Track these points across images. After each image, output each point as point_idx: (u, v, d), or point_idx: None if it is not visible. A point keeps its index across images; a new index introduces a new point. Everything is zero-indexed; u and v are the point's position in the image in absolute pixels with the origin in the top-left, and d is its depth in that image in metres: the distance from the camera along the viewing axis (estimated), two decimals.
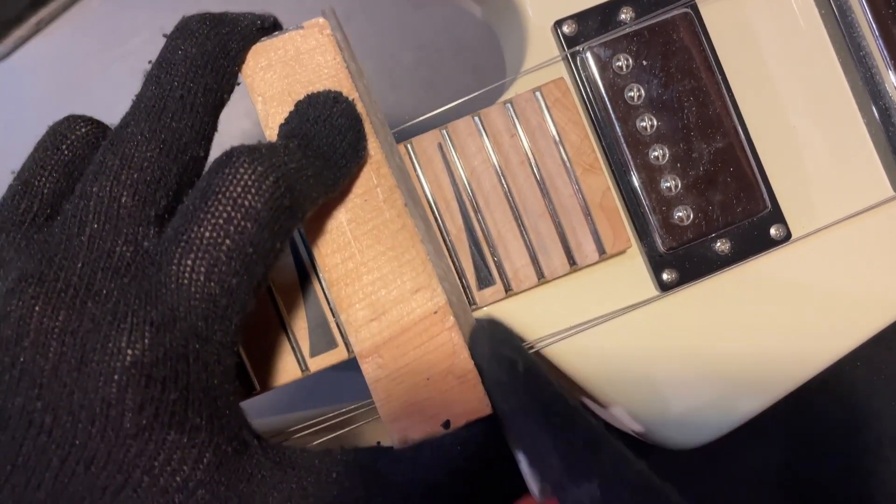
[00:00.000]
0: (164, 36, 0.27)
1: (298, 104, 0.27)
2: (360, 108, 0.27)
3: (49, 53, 0.87)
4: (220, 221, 0.22)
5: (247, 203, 0.22)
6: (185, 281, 0.22)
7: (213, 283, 0.22)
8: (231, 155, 0.23)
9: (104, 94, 0.85)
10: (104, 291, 0.22)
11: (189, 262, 0.22)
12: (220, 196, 0.22)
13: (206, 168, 0.23)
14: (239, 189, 0.22)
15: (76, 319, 0.21)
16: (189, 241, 0.22)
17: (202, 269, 0.22)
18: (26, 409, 0.21)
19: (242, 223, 0.22)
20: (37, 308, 0.21)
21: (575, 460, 0.23)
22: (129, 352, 0.21)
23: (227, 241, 0.22)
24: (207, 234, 0.22)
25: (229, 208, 0.22)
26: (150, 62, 0.27)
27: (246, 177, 0.22)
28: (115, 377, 0.20)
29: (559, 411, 0.24)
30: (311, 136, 0.25)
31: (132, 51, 0.87)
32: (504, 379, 0.26)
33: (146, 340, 0.21)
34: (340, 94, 0.27)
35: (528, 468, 0.24)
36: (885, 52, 0.33)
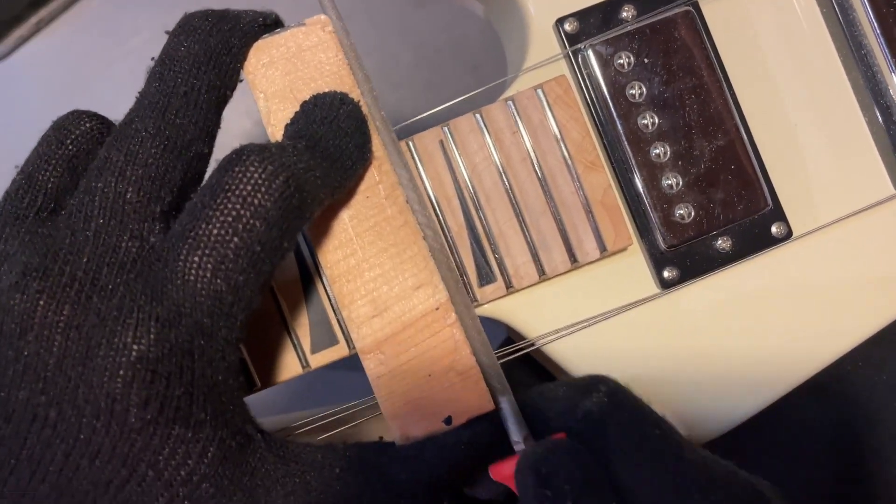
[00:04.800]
0: (167, 33, 0.27)
1: (304, 105, 0.27)
2: (363, 107, 0.27)
3: (49, 53, 0.87)
4: (229, 219, 0.22)
5: (256, 202, 0.22)
6: (192, 277, 0.22)
7: (219, 281, 0.22)
8: (241, 153, 0.23)
9: (104, 93, 0.85)
10: (109, 287, 0.22)
11: (196, 259, 0.22)
12: (229, 194, 0.22)
13: (216, 166, 0.23)
14: (249, 187, 0.22)
15: (81, 314, 0.21)
16: (197, 237, 0.22)
17: (209, 266, 0.22)
18: (31, 403, 0.21)
19: (251, 221, 0.22)
20: (41, 302, 0.21)
21: None
22: (135, 347, 0.21)
23: (235, 239, 0.22)
24: (215, 231, 0.22)
25: (238, 206, 0.22)
26: (152, 59, 0.27)
27: (256, 175, 0.22)
28: (121, 372, 0.21)
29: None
30: (317, 137, 0.25)
31: (132, 50, 0.87)
32: None
33: (152, 336, 0.21)
34: (346, 95, 0.27)
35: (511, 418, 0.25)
36: (886, 50, 0.33)
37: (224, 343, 0.22)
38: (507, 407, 0.27)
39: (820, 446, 0.46)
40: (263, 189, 0.22)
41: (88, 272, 0.22)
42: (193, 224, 0.22)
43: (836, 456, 0.46)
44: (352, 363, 0.30)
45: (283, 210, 0.23)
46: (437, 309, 0.27)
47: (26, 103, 0.87)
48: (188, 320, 0.22)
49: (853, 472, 0.45)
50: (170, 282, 0.22)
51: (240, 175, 0.22)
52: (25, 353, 0.21)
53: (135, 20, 0.88)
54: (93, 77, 0.87)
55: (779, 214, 0.33)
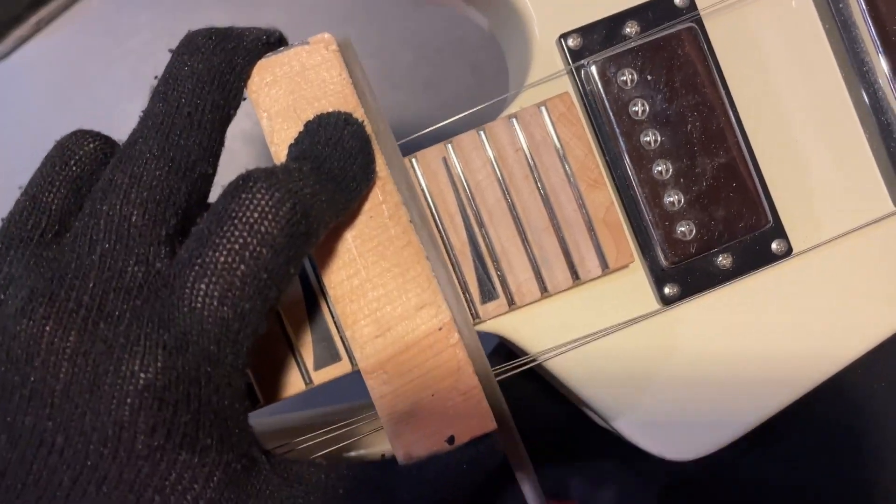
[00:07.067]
0: (170, 51, 0.27)
1: (308, 125, 0.27)
2: (367, 127, 0.27)
3: (49, 53, 0.86)
4: (236, 247, 0.22)
5: (263, 229, 0.22)
6: (199, 305, 0.22)
7: (226, 308, 0.22)
8: (248, 179, 0.23)
9: (104, 94, 0.85)
10: (116, 313, 0.22)
11: (203, 287, 0.22)
12: (236, 221, 0.22)
13: (222, 190, 0.23)
14: (256, 215, 0.22)
15: (88, 341, 0.21)
16: (203, 265, 0.22)
17: (216, 293, 0.22)
18: (37, 429, 0.21)
19: (258, 249, 0.22)
20: (47, 328, 0.21)
21: None
22: (142, 375, 0.21)
23: (242, 267, 0.22)
24: (222, 258, 0.22)
25: (245, 234, 0.22)
26: (155, 77, 0.27)
27: (263, 202, 0.22)
28: (128, 400, 0.21)
29: None
30: (322, 158, 0.25)
31: (132, 51, 0.87)
32: None
33: (159, 364, 0.21)
34: (351, 115, 0.27)
35: (531, 492, 0.25)
36: (887, 68, 0.33)
37: (230, 369, 0.23)
38: (528, 485, 0.27)
39: (817, 452, 0.46)
40: (270, 216, 0.22)
41: (95, 298, 0.22)
42: (200, 251, 0.22)
43: (833, 462, 0.46)
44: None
45: (290, 237, 0.23)
46: (440, 329, 0.27)
47: (26, 103, 0.87)
48: (195, 348, 0.22)
49: (852, 477, 0.45)
50: (176, 309, 0.22)
51: (247, 202, 0.22)
52: (32, 378, 0.21)
53: (135, 20, 0.88)
54: (93, 77, 0.87)
55: (779, 231, 0.33)
